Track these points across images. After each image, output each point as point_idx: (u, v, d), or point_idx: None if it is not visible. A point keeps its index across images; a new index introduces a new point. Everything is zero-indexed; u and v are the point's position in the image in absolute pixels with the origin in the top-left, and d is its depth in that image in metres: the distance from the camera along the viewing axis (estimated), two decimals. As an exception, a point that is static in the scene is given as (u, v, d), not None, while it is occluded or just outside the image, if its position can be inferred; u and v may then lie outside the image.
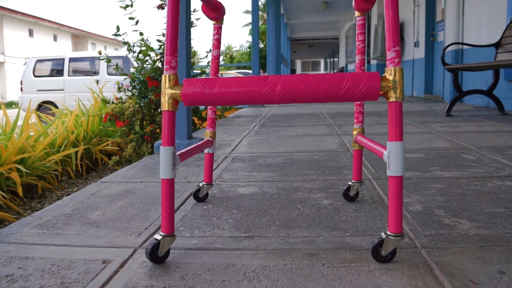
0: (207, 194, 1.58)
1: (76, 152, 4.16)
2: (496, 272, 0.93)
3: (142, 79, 4.16)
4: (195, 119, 4.77)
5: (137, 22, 3.85)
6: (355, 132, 1.44)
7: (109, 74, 10.84)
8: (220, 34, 1.47)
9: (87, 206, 1.54)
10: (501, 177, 1.78)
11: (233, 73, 18.72)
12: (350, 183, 1.51)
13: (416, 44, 8.24)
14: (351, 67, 16.73)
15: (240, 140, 3.16)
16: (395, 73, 0.94)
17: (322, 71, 31.28)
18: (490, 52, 4.80)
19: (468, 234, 1.16)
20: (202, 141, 1.38)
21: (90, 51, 10.89)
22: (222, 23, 1.47)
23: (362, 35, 1.40)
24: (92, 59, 10.92)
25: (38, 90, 11.05)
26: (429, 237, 1.16)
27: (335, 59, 26.64)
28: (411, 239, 1.15)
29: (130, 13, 3.80)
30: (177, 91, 1.00)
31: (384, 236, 0.99)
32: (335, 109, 5.96)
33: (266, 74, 11.73)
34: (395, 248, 1.00)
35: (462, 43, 4.45)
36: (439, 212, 1.36)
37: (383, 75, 0.96)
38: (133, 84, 4.24)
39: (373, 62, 11.19)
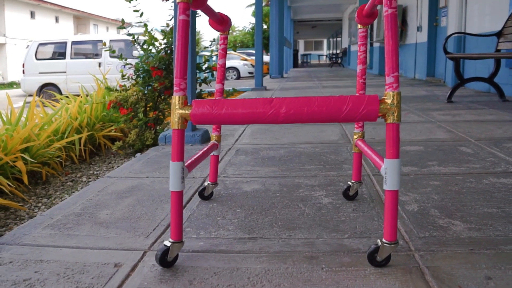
0: (212, 192, 1.64)
1: (80, 138, 4.23)
2: (484, 278, 0.99)
3: (146, 68, 4.20)
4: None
5: (141, 15, 3.86)
6: (355, 137, 1.49)
7: (111, 56, 10.83)
8: (226, 44, 1.51)
9: (96, 204, 1.61)
10: (496, 173, 1.84)
11: (236, 54, 18.63)
12: (350, 183, 1.57)
13: (419, 29, 8.20)
14: (354, 48, 16.62)
15: (243, 130, 3.21)
16: (393, 97, 0.99)
17: (325, 50, 31.10)
18: (492, 39, 4.79)
19: (460, 237, 1.22)
20: (208, 146, 1.43)
21: (93, 34, 10.85)
22: (228, 33, 1.51)
23: (363, 46, 1.44)
24: (94, 42, 10.88)
25: (40, 73, 11.06)
26: (423, 239, 1.22)
27: (338, 39, 26.43)
28: (406, 242, 1.21)
29: (135, 6, 3.81)
30: (187, 111, 1.05)
31: (379, 243, 1.05)
32: (338, 93, 5.98)
33: (269, 55, 11.65)
34: (389, 254, 1.06)
35: (464, 33, 4.44)
36: (434, 212, 1.42)
37: (382, 98, 1.01)
38: (137, 73, 4.27)
39: (376, 45, 11.13)
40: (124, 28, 3.98)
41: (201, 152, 1.33)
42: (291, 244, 1.22)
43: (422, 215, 1.40)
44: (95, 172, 3.84)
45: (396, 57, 0.99)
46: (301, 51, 30.21)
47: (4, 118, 3.73)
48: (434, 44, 7.73)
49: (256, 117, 1.03)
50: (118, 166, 4.04)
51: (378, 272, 1.04)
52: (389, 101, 1.00)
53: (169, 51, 4.39)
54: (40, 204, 2.87)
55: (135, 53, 4.19)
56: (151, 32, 4.38)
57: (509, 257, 1.09)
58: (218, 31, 1.51)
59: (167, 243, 1.08)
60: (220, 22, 1.46)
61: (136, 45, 4.14)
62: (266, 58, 15.06)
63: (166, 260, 1.08)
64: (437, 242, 1.20)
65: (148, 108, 4.55)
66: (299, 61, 24.72)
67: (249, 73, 18.59)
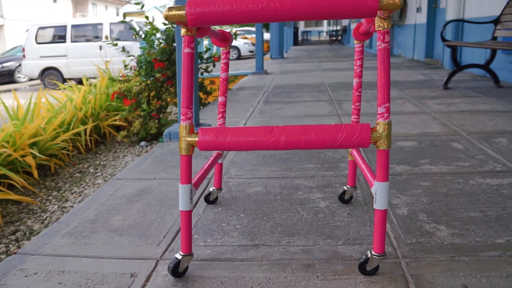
0: (216, 197, 1.76)
1: (85, 129, 4.34)
2: (460, 286, 1.12)
3: (148, 60, 4.27)
4: (201, 94, 4.89)
5: (142, 6, 3.91)
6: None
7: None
8: (228, 59, 1.61)
9: (108, 210, 1.73)
10: (483, 173, 1.95)
11: (235, 31, 18.52)
12: (345, 187, 1.69)
13: (418, 10, 8.20)
14: (354, 26, 16.51)
15: (245, 123, 3.31)
16: (384, 127, 1.09)
17: (325, 27, 30.86)
18: (490, 26, 4.84)
19: (444, 243, 1.35)
20: (212, 158, 1.54)
21: (92, 16, 10.82)
22: (230, 48, 1.60)
23: (360, 60, 1.52)
24: (94, 25, 10.87)
25: (41, 57, 11.08)
26: (410, 246, 1.34)
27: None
28: (394, 249, 1.33)
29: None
30: (194, 139, 1.15)
31: (369, 255, 1.17)
32: (336, 78, 6.05)
33: (269, 33, 11.61)
34: (378, 264, 1.18)
35: (462, 20, 4.49)
36: (421, 217, 1.54)
37: (374, 127, 1.11)
38: (140, 65, 4.35)
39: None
40: (126, 22, 4.03)
41: (206, 166, 1.44)
42: (290, 251, 1.35)
43: (410, 220, 1.52)
44: (102, 163, 3.97)
45: (388, 89, 1.09)
46: (302, 27, 29.97)
47: (11, 112, 3.83)
48: (433, 26, 7.74)
49: (258, 145, 1.13)
50: (123, 155, 4.16)
51: (367, 280, 1.17)
52: (380, 130, 1.10)
53: (170, 41, 4.46)
54: (51, 198, 3.00)
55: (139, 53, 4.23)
56: (152, 22, 4.44)
57: (485, 265, 1.21)
58: (220, 47, 1.60)
59: (178, 256, 1.21)
60: (222, 39, 1.55)
61: (138, 37, 4.20)
62: (267, 35, 15.00)
63: (177, 271, 1.20)
64: (422, 249, 1.32)
65: (151, 97, 4.64)
66: (300, 38, 24.56)
67: (250, 51, 18.51)
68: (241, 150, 1.15)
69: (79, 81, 12.07)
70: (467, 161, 2.13)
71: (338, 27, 23.93)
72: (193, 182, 1.26)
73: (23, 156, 3.24)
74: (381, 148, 1.11)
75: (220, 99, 1.68)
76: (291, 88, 5.27)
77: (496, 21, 4.41)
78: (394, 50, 11.06)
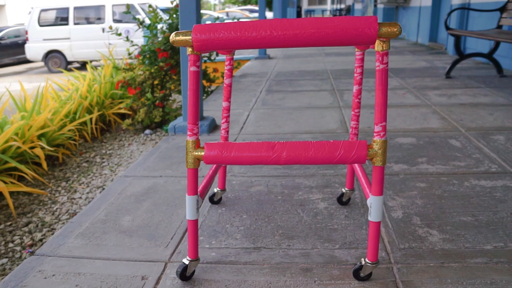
0: (220, 198, 1.85)
1: (91, 118, 4.42)
2: (447, 293, 1.20)
3: (152, 49, 4.31)
4: (204, 82, 4.94)
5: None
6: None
7: (114, 21, 10.80)
8: (232, 65, 1.66)
9: (118, 210, 1.82)
10: (478, 174, 2.02)
11: (238, 11, 18.39)
12: (343, 190, 1.77)
13: (423, -8, 8.12)
14: (357, 6, 16.34)
15: (248, 115, 3.37)
16: (380, 144, 1.16)
17: (328, 5, 30.44)
18: (496, 13, 4.83)
19: (435, 249, 1.43)
20: (214, 166, 1.61)
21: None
22: (233, 55, 1.65)
23: (360, 68, 1.57)
24: (96, 7, 10.82)
25: (44, 40, 11.08)
26: (403, 251, 1.43)
27: (343, -6, 25.80)
28: (387, 253, 1.42)
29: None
30: (200, 153, 1.23)
31: (363, 262, 1.25)
32: (339, 64, 6.06)
33: (272, 12, 11.55)
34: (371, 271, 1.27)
35: (467, 8, 4.48)
36: (415, 220, 1.62)
37: (370, 144, 1.18)
38: (144, 54, 4.39)
39: (380, 6, 11.00)
40: (129, 12, 4.06)
41: (211, 172, 1.52)
42: (290, 254, 1.43)
43: (405, 223, 1.61)
44: (108, 152, 4.06)
45: (385, 109, 1.15)
46: (305, 6, 29.61)
47: (18, 103, 3.91)
48: (438, 9, 7.68)
49: (261, 160, 1.20)
50: (129, 144, 4.25)
51: (361, 286, 1.25)
52: (376, 147, 1.17)
53: (173, 30, 4.48)
54: (60, 188, 3.10)
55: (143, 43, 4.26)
56: (155, 10, 4.46)
57: (472, 272, 1.29)
58: (224, 54, 1.66)
59: (186, 261, 1.30)
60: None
61: (141, 28, 4.24)
62: (269, 15, 14.90)
63: (185, 275, 1.29)
64: (414, 254, 1.40)
65: (155, 85, 4.69)
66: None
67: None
68: (245, 164, 1.23)
69: (83, 64, 12.10)
70: (463, 161, 2.20)
71: (342, 6, 23.64)
72: (199, 191, 1.34)
73: (32, 148, 3.33)
74: (377, 165, 1.18)
75: (224, 104, 1.74)
76: (293, 75, 5.30)
77: (502, 9, 4.40)
78: (398, 33, 10.98)
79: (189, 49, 1.22)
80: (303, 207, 1.78)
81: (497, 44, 4.41)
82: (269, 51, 7.95)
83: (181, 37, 1.14)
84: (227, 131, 1.76)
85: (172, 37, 1.15)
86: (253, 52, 8.66)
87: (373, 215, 1.20)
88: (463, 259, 1.36)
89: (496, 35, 3.76)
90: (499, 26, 4.50)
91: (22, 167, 2.91)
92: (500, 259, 1.35)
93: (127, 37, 4.37)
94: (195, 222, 1.28)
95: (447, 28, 4.51)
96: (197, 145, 1.25)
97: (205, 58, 4.92)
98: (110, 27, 4.48)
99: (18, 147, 3.13)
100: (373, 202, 1.20)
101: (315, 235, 1.55)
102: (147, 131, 4.58)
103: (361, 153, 1.17)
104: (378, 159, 1.18)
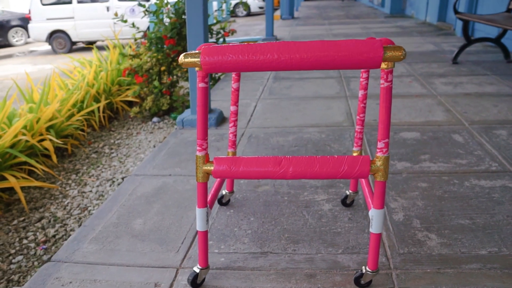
0: (229, 200, 1.92)
1: (99, 107, 4.48)
2: (443, 302, 1.27)
3: (159, 35, 4.33)
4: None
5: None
6: (354, 154, 1.72)
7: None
8: (239, 75, 1.70)
9: (129, 212, 1.90)
10: (478, 173, 2.07)
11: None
12: (347, 192, 1.83)
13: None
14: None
15: (255, 106, 3.42)
16: (382, 160, 1.21)
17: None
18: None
19: (432, 254, 1.50)
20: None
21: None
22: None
23: (366, 73, 1.61)
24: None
25: (47, 19, 11.04)
26: (402, 256, 1.50)
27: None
28: (387, 259, 1.49)
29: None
30: (210, 168, 1.29)
31: (364, 270, 1.33)
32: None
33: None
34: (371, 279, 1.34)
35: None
36: (415, 224, 1.69)
37: (373, 159, 1.23)
38: (150, 41, 4.42)
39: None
40: None
41: (217, 182, 1.59)
42: (295, 260, 1.51)
43: (405, 227, 1.67)
44: (116, 141, 4.14)
45: (388, 126, 1.20)
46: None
47: (25, 94, 3.96)
48: (447, -12, 7.56)
49: (268, 174, 1.26)
50: (137, 133, 4.32)
51: (362, 293, 1.33)
52: (379, 163, 1.23)
53: (180, 15, 4.48)
54: (70, 181, 3.19)
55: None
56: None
57: (466, 278, 1.36)
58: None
59: (196, 269, 1.38)
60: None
61: (147, 14, 4.25)
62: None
63: (196, 283, 1.38)
64: (413, 259, 1.47)
65: (162, 72, 4.72)
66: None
67: (260, 8, 18.19)
68: (253, 179, 1.29)
69: (88, 44, 12.07)
70: (465, 158, 2.25)
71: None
72: (208, 202, 1.41)
73: (41, 140, 3.41)
74: (379, 180, 1.24)
75: (232, 108, 1.79)
76: (300, 60, 5.30)
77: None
78: (407, 10, 10.84)
79: (197, 67, 1.27)
80: (308, 209, 1.85)
81: (505, 29, 4.37)
82: (276, 32, 7.91)
83: (190, 59, 1.19)
84: (235, 135, 1.82)
85: (181, 59, 1.19)
86: (260, 34, 8.62)
87: (374, 227, 1.27)
88: (458, 265, 1.43)
89: (505, 21, 3.73)
90: (509, 10, 4.45)
91: (32, 161, 2.99)
92: (493, 265, 1.42)
93: (133, 24, 4.39)
94: (205, 233, 1.35)
95: (456, 12, 4.47)
96: (206, 160, 1.31)
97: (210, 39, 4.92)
98: (116, 14, 4.49)
99: (27, 141, 3.21)
100: (374, 215, 1.26)
101: (320, 239, 1.62)
102: (155, 119, 4.64)
103: (364, 168, 1.23)
104: (380, 174, 1.23)
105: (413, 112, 3.05)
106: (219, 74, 5.18)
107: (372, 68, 1.14)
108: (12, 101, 3.53)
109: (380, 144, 1.22)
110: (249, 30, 10.59)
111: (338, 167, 1.24)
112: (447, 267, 1.43)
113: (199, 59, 1.19)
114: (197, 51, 1.20)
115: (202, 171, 1.31)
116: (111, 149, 3.90)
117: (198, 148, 1.31)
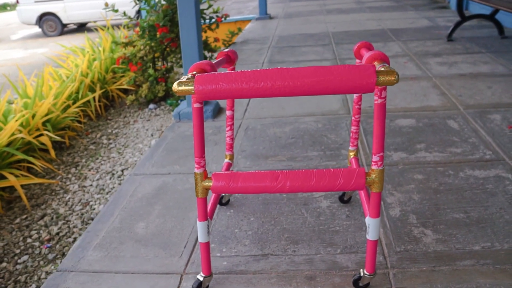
0: (228, 200, 1.96)
1: (94, 97, 4.46)
2: (438, 302, 1.33)
3: (151, 23, 4.28)
4: (205, 52, 4.93)
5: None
6: (350, 154, 1.75)
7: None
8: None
9: (131, 215, 1.93)
10: (472, 163, 2.11)
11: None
12: (343, 189, 1.86)
13: None
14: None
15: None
16: (377, 173, 1.24)
17: None
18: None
19: (428, 251, 1.54)
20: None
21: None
22: (235, 65, 1.70)
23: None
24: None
25: (36, 1, 10.84)
26: (399, 254, 1.54)
27: None
28: (384, 257, 1.54)
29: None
30: (209, 184, 1.31)
31: (362, 273, 1.37)
32: (340, 25, 5.98)
33: None
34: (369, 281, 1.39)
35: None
36: (412, 219, 1.73)
37: (368, 172, 1.26)
38: (143, 29, 4.37)
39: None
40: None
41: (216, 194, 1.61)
42: (295, 261, 1.56)
43: (401, 223, 1.72)
44: (113, 131, 4.15)
45: (382, 140, 1.22)
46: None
47: (19, 90, 3.94)
48: (441, -41, 7.44)
49: (265, 189, 1.29)
50: (134, 121, 4.33)
51: (360, 295, 1.38)
52: (373, 176, 1.26)
53: (172, 0, 4.42)
54: (70, 175, 3.22)
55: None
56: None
57: (460, 275, 1.41)
58: (226, 67, 1.71)
59: (200, 277, 1.42)
60: (228, 61, 1.65)
61: (138, 3, 4.20)
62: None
63: (200, 290, 1.43)
64: (409, 258, 1.52)
65: (156, 58, 4.69)
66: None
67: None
68: (250, 193, 1.32)
69: (80, 26, 11.91)
70: (460, 146, 2.28)
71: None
72: (208, 214, 1.44)
73: (38, 135, 3.41)
74: (374, 191, 1.27)
75: (228, 113, 1.81)
76: (295, 40, 5.27)
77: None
78: (400, -19, 10.67)
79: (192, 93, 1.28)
80: (307, 207, 1.88)
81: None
82: (270, 10, 7.81)
83: (183, 87, 1.20)
84: (232, 138, 1.84)
85: (175, 87, 1.20)
86: (253, 12, 8.51)
87: (371, 235, 1.31)
88: (453, 262, 1.48)
89: (497, 2, 3.71)
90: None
91: (30, 159, 3.01)
92: (486, 261, 1.47)
93: (124, 12, 4.34)
94: (207, 244, 1.39)
95: (449, -11, 4.42)
96: (204, 176, 1.33)
97: (206, 28, 4.88)
98: (106, 4, 4.42)
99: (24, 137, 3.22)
100: (370, 223, 1.30)
101: (318, 239, 1.67)
102: (151, 106, 4.64)
103: (359, 181, 1.26)
104: (375, 186, 1.26)
105: (408, 96, 3.06)
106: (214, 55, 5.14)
107: (365, 92, 1.16)
108: (6, 98, 3.52)
109: (375, 158, 1.24)
110: (242, 8, 10.43)
111: (334, 181, 1.27)
112: (442, 264, 1.47)
113: (193, 87, 1.20)
114: (190, 78, 1.20)
115: (201, 187, 1.33)
116: (109, 139, 3.91)
117: (196, 165, 1.33)
